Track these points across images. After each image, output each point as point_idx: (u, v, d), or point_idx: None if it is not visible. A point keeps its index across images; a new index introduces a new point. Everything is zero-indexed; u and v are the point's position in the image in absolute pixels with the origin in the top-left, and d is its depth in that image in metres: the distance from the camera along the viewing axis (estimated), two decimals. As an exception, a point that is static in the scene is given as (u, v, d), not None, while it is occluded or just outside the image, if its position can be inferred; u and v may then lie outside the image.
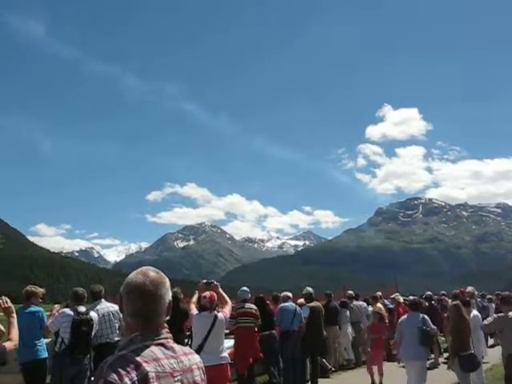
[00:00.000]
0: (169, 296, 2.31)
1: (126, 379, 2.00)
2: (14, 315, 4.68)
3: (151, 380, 2.05)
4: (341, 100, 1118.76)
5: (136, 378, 2.02)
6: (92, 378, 8.77)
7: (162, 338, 2.22)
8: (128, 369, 2.03)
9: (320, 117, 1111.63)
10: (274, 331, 11.20)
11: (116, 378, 1.99)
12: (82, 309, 8.10)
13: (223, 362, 7.19)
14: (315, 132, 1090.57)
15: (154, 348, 2.15)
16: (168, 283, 2.33)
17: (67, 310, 7.99)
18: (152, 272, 2.31)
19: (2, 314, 4.76)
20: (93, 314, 8.24)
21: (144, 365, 2.06)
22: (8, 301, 4.72)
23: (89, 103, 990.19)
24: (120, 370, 2.01)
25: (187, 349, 2.35)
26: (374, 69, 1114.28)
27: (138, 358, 2.07)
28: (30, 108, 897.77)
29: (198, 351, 6.68)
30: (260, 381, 11.44)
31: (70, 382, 7.78)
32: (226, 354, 7.37)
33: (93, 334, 8.15)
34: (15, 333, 4.53)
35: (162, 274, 2.35)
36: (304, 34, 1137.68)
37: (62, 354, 7.81)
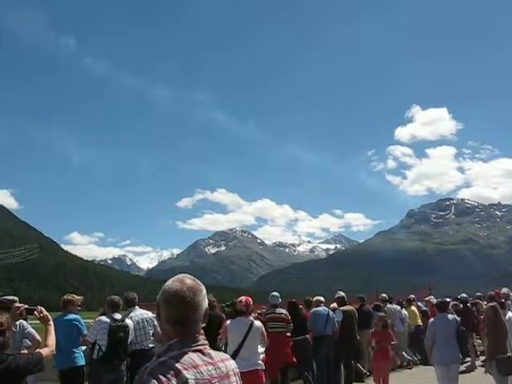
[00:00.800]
0: (206, 303, 2.33)
1: None
2: (51, 323, 4.78)
3: None
4: (369, 102, 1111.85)
5: None
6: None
7: (199, 345, 2.24)
8: (168, 375, 2.04)
9: (349, 120, 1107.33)
10: (307, 336, 11.18)
11: None
12: (118, 316, 8.24)
13: (258, 368, 7.23)
14: (344, 135, 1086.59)
15: (192, 355, 2.17)
16: (204, 290, 2.35)
17: (104, 318, 8.15)
18: (189, 279, 2.33)
19: (39, 322, 4.86)
20: (128, 322, 8.37)
21: (184, 372, 2.08)
22: (43, 310, 4.83)
23: (119, 113, 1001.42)
24: (161, 377, 2.03)
25: (224, 355, 2.37)
26: (401, 70, 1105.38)
27: (177, 365, 2.09)
28: (62, 119, 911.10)
29: (233, 357, 6.72)
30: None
31: None
32: (260, 360, 7.41)
33: (129, 340, 8.27)
34: (52, 340, 4.64)
35: (199, 281, 2.36)
36: (330, 37, 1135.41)
37: (99, 361, 7.94)
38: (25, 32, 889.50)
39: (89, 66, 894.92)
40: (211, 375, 2.18)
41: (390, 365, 10.97)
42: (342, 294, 12.70)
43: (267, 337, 10.10)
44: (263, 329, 7.73)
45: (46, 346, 4.52)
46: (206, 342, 2.30)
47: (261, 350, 7.63)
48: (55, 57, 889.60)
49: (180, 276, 2.36)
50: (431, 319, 9.46)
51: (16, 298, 8.03)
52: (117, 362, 8.00)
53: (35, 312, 4.77)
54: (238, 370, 2.37)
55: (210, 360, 2.23)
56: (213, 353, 2.28)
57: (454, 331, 8.92)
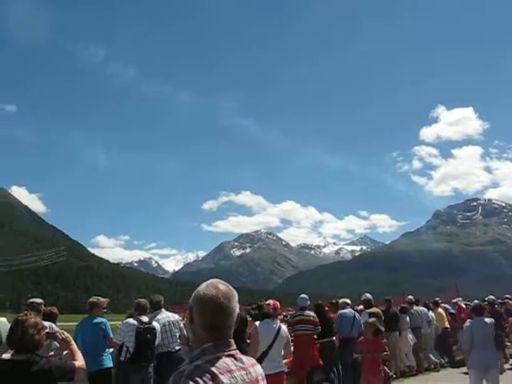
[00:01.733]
0: (237, 308, 2.35)
1: None
2: (73, 343, 4.85)
3: None
4: (393, 103, 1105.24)
5: None
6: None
7: (232, 350, 2.26)
8: (205, 379, 2.07)
9: (373, 121, 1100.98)
10: (333, 338, 11.16)
11: None
12: (145, 318, 8.38)
13: (282, 370, 7.27)
14: (369, 136, 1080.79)
15: (226, 359, 2.19)
16: (237, 296, 2.37)
17: (131, 320, 8.30)
18: (222, 285, 2.34)
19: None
20: (155, 324, 8.49)
21: (220, 376, 2.10)
22: (65, 332, 4.92)
23: (144, 117, 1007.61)
24: (198, 380, 2.05)
25: (252, 360, 2.38)
26: (426, 70, 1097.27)
27: (213, 369, 2.11)
28: (88, 123, 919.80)
29: (261, 358, 6.77)
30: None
31: None
32: (283, 363, 7.45)
33: (156, 342, 8.38)
34: (79, 356, 4.70)
35: (231, 286, 2.37)
36: (353, 38, 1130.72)
37: (126, 363, 8.09)
38: (50, 37, 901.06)
39: (114, 71, 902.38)
40: (244, 380, 2.21)
41: (381, 380, 9.04)
42: (368, 296, 12.67)
43: (294, 339, 10.17)
44: (288, 334, 7.76)
45: (75, 360, 4.58)
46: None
47: (281, 353, 7.65)
48: (82, 63, 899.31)
49: (213, 281, 2.37)
50: (467, 323, 9.12)
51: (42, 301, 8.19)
52: (144, 364, 8.13)
53: (57, 334, 4.85)
54: (264, 375, 2.40)
55: (242, 365, 2.25)
56: (244, 358, 2.31)
57: (491, 335, 8.67)
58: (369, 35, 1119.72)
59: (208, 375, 2.09)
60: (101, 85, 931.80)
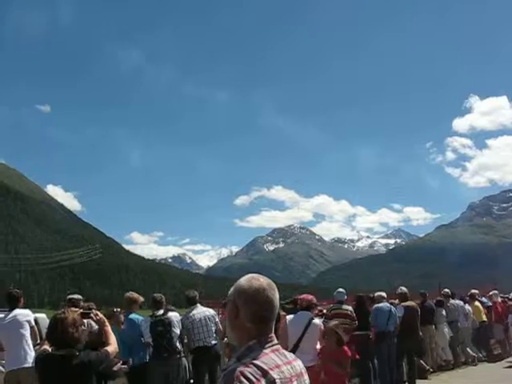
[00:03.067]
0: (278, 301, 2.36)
1: None
2: (107, 324, 4.98)
3: None
4: (424, 94, 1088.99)
5: None
6: (191, 381, 9.11)
7: (275, 345, 2.29)
8: (257, 376, 2.08)
9: (405, 112, 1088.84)
10: (368, 332, 11.13)
11: None
12: (160, 312, 8.54)
13: (315, 364, 7.28)
14: (400, 128, 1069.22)
15: (272, 355, 2.22)
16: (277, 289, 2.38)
17: (147, 317, 8.55)
18: (263, 278, 2.36)
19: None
20: (172, 315, 8.65)
21: (270, 372, 2.12)
22: (98, 313, 5.04)
23: (176, 112, 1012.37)
24: (251, 378, 2.07)
25: (293, 354, 2.40)
26: (457, 60, 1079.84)
27: (263, 366, 2.13)
28: (121, 120, 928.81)
29: (292, 351, 6.80)
30: (355, 382, 11.37)
31: (162, 382, 8.25)
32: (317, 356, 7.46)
33: (176, 333, 8.52)
34: (113, 338, 4.85)
35: (270, 280, 2.39)
36: (385, 30, 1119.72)
37: (150, 357, 8.42)
38: (84, 36, 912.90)
39: (151, 70, 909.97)
40: (291, 374, 2.23)
41: None
42: (404, 289, 12.59)
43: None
44: (322, 327, 7.75)
45: (108, 344, 4.74)
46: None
47: (318, 346, 7.66)
48: (116, 61, 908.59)
49: (254, 275, 2.39)
50: None
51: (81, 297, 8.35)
52: (165, 355, 8.31)
53: (91, 315, 4.97)
54: (305, 369, 2.42)
55: (286, 360, 2.28)
56: (286, 352, 2.34)
57: None
58: (400, 26, 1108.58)
59: (259, 372, 2.10)
60: (134, 82, 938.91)
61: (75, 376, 4.18)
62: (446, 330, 14.47)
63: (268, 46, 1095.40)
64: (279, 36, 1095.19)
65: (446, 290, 15.94)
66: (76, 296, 8.54)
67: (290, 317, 7.53)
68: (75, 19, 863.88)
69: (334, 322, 7.76)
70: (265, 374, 2.11)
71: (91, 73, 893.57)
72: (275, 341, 2.31)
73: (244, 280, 2.36)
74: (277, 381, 2.12)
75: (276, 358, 2.22)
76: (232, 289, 2.38)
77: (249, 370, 2.10)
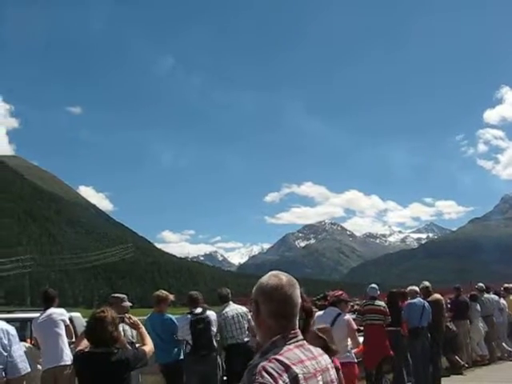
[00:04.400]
0: (300, 297, 2.40)
1: (280, 381, 2.08)
2: (141, 326, 5.05)
3: (301, 381, 2.13)
4: (455, 85, 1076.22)
5: (287, 380, 2.10)
6: (224, 378, 9.15)
7: (299, 340, 2.31)
8: (279, 371, 2.10)
9: (434, 106, 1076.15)
10: (399, 328, 11.05)
11: (271, 380, 2.07)
12: (198, 310, 8.58)
13: (350, 360, 7.26)
14: (431, 122, 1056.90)
15: (296, 350, 2.24)
16: (298, 285, 2.40)
17: (184, 315, 8.61)
18: (283, 275, 2.38)
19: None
20: (210, 313, 8.71)
21: (293, 367, 2.13)
22: (132, 316, 5.10)
23: (207, 110, 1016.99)
24: (273, 373, 2.09)
25: (319, 350, 2.42)
26: (487, 50, 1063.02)
27: (286, 361, 2.14)
28: (151, 121, 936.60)
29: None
30: (389, 379, 11.29)
31: (199, 380, 8.30)
32: (352, 352, 7.43)
33: (214, 331, 8.59)
34: (149, 340, 4.93)
35: (291, 276, 2.41)
36: (413, 24, 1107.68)
37: (188, 355, 8.41)
38: (114, 40, 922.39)
39: (180, 72, 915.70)
40: (315, 369, 2.25)
41: None
42: (426, 283, 12.45)
43: (364, 328, 10.13)
44: (352, 322, 7.72)
45: (144, 345, 4.84)
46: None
47: (348, 342, 7.63)
48: (146, 65, 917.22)
49: (274, 272, 2.41)
50: None
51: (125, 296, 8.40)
52: (204, 353, 8.35)
53: (125, 319, 5.04)
54: (332, 364, 2.43)
55: (311, 355, 2.29)
56: (311, 348, 2.35)
57: None
58: (428, 18, 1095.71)
59: (281, 367, 2.12)
60: (163, 83, 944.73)
61: (113, 374, 4.22)
62: (481, 324, 14.31)
63: (295, 46, 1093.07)
64: (306, 35, 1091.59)
65: (481, 284, 15.73)
66: (117, 294, 8.55)
67: (318, 313, 7.52)
68: (107, 22, 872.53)
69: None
70: (287, 368, 2.12)
71: (121, 74, 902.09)
72: (300, 336, 2.32)
73: (264, 277, 2.39)
74: (299, 376, 2.13)
75: (300, 353, 2.23)
76: (255, 286, 2.41)
77: (271, 365, 2.12)
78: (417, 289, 11.68)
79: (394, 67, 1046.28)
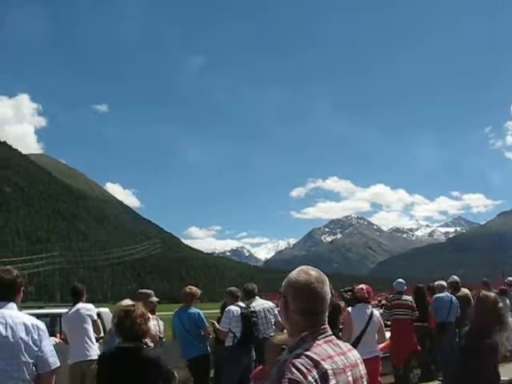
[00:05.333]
0: (329, 293, 2.37)
1: (309, 377, 2.07)
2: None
3: (330, 377, 2.12)
4: (481, 78, 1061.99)
5: (317, 376, 2.08)
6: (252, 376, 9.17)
7: (328, 335, 2.29)
8: (309, 367, 2.09)
9: (461, 99, 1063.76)
10: (425, 324, 10.96)
11: (300, 376, 2.06)
12: (242, 304, 8.68)
13: (378, 355, 7.24)
14: (458, 114, 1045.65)
15: (325, 346, 2.22)
16: (328, 281, 2.39)
17: (233, 307, 8.54)
18: (313, 271, 2.37)
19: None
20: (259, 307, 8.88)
21: (322, 363, 2.12)
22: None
23: (232, 109, 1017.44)
24: (302, 369, 2.08)
25: (348, 345, 2.41)
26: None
27: (315, 357, 2.14)
28: (176, 118, 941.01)
29: (355, 343, 6.76)
30: (417, 374, 11.20)
31: (240, 373, 8.28)
32: (378, 347, 7.41)
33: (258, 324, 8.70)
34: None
35: (321, 271, 2.40)
36: (438, 19, 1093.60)
37: (235, 347, 8.38)
38: (136, 40, 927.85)
39: (212, 81, 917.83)
40: (344, 364, 2.23)
41: None
42: (455, 278, 12.31)
43: (392, 323, 10.08)
44: (381, 319, 7.69)
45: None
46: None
47: (376, 338, 7.60)
48: (174, 63, 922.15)
49: (304, 268, 2.40)
50: None
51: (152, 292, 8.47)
52: (251, 346, 8.47)
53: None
54: (361, 359, 2.42)
55: (340, 350, 2.28)
56: (340, 343, 2.34)
57: None
58: (454, 13, 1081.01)
59: (310, 362, 2.11)
60: (189, 81, 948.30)
61: (141, 368, 4.19)
62: (511, 319, 14.11)
63: (321, 42, 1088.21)
64: (333, 32, 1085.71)
65: (510, 278, 15.54)
66: (144, 290, 8.61)
67: (352, 309, 7.48)
68: (134, 21, 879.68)
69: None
70: (316, 364, 2.11)
71: (146, 72, 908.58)
72: (329, 332, 2.31)
73: (293, 273, 2.38)
74: (328, 371, 2.12)
75: (329, 349, 2.22)
76: (284, 281, 2.40)
77: (300, 361, 2.11)
78: (444, 283, 11.56)
79: (419, 63, 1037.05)
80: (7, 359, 3.54)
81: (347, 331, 7.27)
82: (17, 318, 3.69)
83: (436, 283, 11.62)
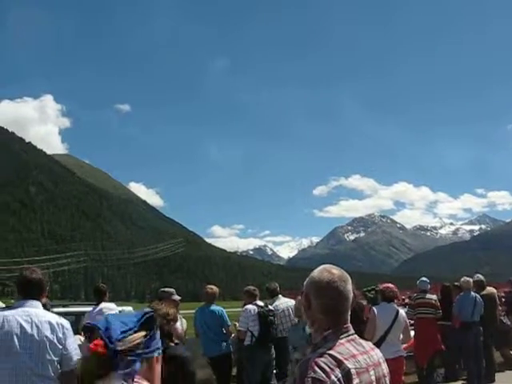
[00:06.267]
0: (352, 292, 2.38)
1: (332, 376, 2.07)
2: None
3: (353, 376, 2.12)
4: (507, 75, 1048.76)
5: (340, 376, 2.09)
6: (274, 371, 9.15)
7: (351, 334, 2.30)
8: (332, 366, 2.09)
9: (485, 95, 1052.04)
10: (449, 323, 10.86)
11: (323, 375, 2.07)
12: (260, 303, 8.67)
13: (402, 355, 7.19)
14: (481, 111, 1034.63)
15: (348, 345, 2.23)
16: (350, 279, 2.40)
17: (250, 306, 8.57)
18: (335, 269, 2.38)
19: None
20: (273, 306, 8.87)
21: (345, 362, 2.13)
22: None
23: (254, 108, 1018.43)
24: (326, 368, 2.08)
25: (371, 344, 2.41)
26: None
27: (338, 356, 2.14)
28: (197, 118, 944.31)
29: (379, 343, 6.72)
30: (441, 373, 11.10)
31: (261, 372, 8.37)
32: (402, 347, 7.37)
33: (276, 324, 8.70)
34: None
35: (343, 270, 2.41)
36: (465, 16, 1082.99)
37: (254, 346, 8.40)
38: (163, 42, 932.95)
39: (235, 81, 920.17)
40: (367, 363, 2.23)
41: None
42: (480, 277, 12.15)
43: (416, 322, 9.99)
44: (406, 318, 7.64)
45: None
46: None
47: (401, 337, 7.55)
48: (191, 61, 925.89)
49: (326, 266, 2.41)
50: None
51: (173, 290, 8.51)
52: (270, 344, 8.49)
53: None
54: (384, 358, 2.41)
55: (363, 349, 2.27)
56: (363, 342, 2.34)
57: None
58: (478, 10, 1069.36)
59: (334, 362, 2.11)
60: (213, 80, 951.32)
61: (167, 368, 4.11)
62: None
63: (345, 41, 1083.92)
64: (360, 32, 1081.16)
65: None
66: (167, 289, 8.64)
67: (377, 308, 7.43)
68: (158, 22, 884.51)
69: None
70: (339, 363, 2.11)
71: (168, 71, 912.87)
72: (351, 331, 2.31)
73: (316, 272, 2.39)
74: (352, 370, 2.12)
75: (352, 348, 2.22)
76: (306, 280, 2.41)
77: (323, 360, 2.11)
78: (471, 280, 11.39)
79: (442, 60, 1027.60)
80: (33, 357, 3.60)
81: (371, 330, 7.23)
82: (42, 316, 3.76)
83: (462, 279, 11.42)
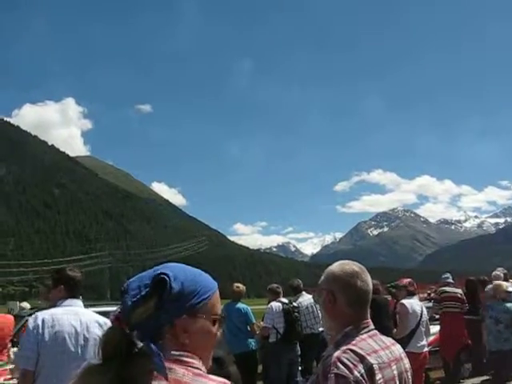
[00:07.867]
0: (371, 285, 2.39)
1: (355, 372, 2.07)
2: None
3: (376, 371, 2.12)
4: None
5: (363, 371, 2.09)
6: (299, 368, 9.16)
7: (371, 330, 2.30)
8: (355, 362, 2.10)
9: (507, 86, 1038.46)
10: (478, 317, 10.77)
11: (346, 371, 2.07)
12: (284, 300, 8.67)
13: (426, 350, 7.20)
14: (504, 102, 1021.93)
15: (369, 340, 2.23)
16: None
17: (274, 303, 8.55)
18: (353, 263, 2.40)
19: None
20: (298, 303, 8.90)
21: (368, 357, 2.13)
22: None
23: (275, 105, 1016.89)
24: (348, 363, 2.09)
25: (391, 339, 2.40)
26: None
27: (360, 351, 2.14)
28: (218, 117, 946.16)
29: (409, 336, 6.75)
30: (468, 368, 11.01)
31: (287, 368, 8.34)
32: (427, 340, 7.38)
33: (301, 321, 8.71)
34: None
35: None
36: (487, 15, 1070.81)
37: (279, 343, 8.37)
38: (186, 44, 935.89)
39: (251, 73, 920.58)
40: (389, 358, 2.23)
41: None
42: (501, 271, 11.99)
43: (442, 316, 9.93)
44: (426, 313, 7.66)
45: None
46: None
47: (433, 330, 7.57)
48: (217, 63, 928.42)
49: (343, 261, 2.43)
50: None
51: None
52: (295, 342, 8.46)
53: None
54: (404, 353, 2.40)
55: (384, 344, 2.27)
56: (383, 337, 2.33)
57: None
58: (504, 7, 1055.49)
59: (356, 357, 2.11)
60: (233, 80, 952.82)
61: None
62: None
63: (367, 39, 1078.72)
64: (381, 30, 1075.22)
65: None
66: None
67: (407, 302, 7.41)
68: (179, 23, 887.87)
69: None
70: (362, 359, 2.12)
71: (188, 71, 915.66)
72: (371, 326, 2.32)
73: (335, 267, 2.39)
74: (374, 366, 2.12)
75: (373, 343, 2.22)
76: (323, 277, 2.42)
77: (345, 356, 2.11)
78: (501, 274, 11.20)
79: (465, 54, 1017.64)
80: (85, 355, 3.69)
81: (404, 324, 7.21)
82: (89, 315, 3.89)
83: (494, 273, 11.16)
